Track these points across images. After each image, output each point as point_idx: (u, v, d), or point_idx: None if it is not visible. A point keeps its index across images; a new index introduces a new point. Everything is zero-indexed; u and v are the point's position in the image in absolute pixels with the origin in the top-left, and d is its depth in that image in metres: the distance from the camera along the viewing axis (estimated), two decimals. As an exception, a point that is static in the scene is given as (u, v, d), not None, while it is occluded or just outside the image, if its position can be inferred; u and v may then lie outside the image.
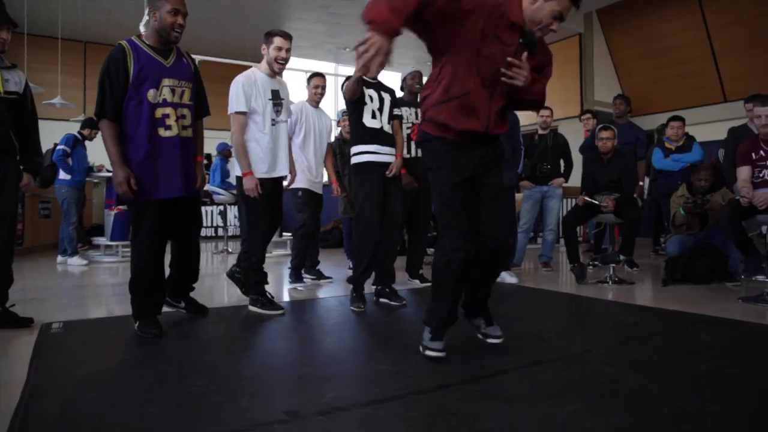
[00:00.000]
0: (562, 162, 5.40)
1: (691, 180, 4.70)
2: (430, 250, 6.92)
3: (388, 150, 3.53)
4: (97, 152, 8.20)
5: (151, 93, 2.67)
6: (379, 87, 3.59)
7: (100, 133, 5.74)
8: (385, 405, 1.82)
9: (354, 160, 3.53)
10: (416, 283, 4.46)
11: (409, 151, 4.24)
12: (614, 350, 2.55)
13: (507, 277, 4.60)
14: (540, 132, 5.50)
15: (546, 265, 5.38)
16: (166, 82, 2.72)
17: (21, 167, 3.00)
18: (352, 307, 3.45)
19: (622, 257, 4.56)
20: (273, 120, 3.39)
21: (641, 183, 5.81)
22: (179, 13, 2.72)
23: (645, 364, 2.28)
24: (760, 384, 2.05)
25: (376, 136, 3.47)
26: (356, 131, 3.52)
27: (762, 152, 3.74)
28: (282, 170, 3.45)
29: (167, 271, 3.03)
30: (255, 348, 2.73)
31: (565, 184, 5.51)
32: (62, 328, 2.90)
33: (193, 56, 3.04)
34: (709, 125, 8.13)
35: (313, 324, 3.23)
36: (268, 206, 3.39)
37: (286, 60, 3.41)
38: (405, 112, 4.25)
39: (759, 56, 8.23)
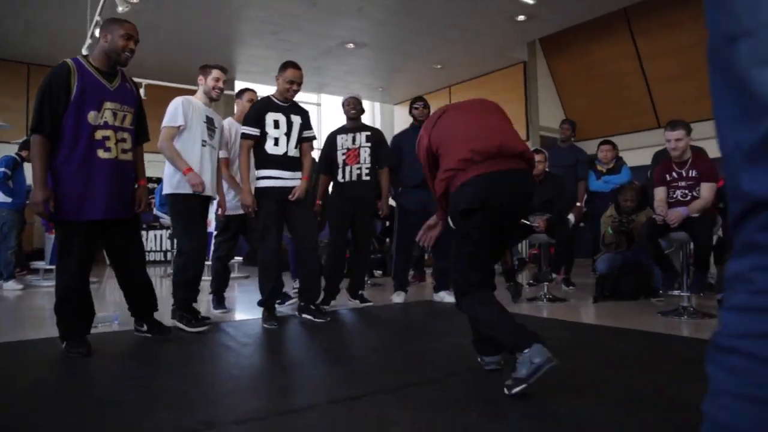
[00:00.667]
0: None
1: (618, 200, 4.96)
2: (377, 272, 7.06)
3: (291, 174, 3.67)
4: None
5: (92, 114, 2.70)
6: (290, 110, 3.71)
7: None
8: (304, 413, 1.89)
9: (255, 184, 3.66)
10: (356, 303, 4.53)
11: (343, 176, 4.39)
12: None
13: (446, 297, 4.72)
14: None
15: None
16: (108, 105, 2.75)
17: None
18: (265, 325, 3.57)
19: (554, 275, 4.74)
20: (204, 141, 3.52)
21: (580, 204, 6.03)
22: (131, 38, 2.81)
23: (558, 375, 2.40)
24: (655, 389, 2.20)
25: (278, 162, 3.62)
26: (257, 157, 3.67)
27: (675, 174, 4.00)
28: (208, 190, 3.55)
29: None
30: (184, 364, 2.74)
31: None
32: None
33: (140, 80, 3.10)
34: (645, 150, 8.54)
35: (244, 341, 3.27)
36: (201, 222, 3.48)
37: (222, 90, 3.64)
38: (341, 139, 4.47)
39: (690, 84, 8.71)
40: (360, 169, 4.48)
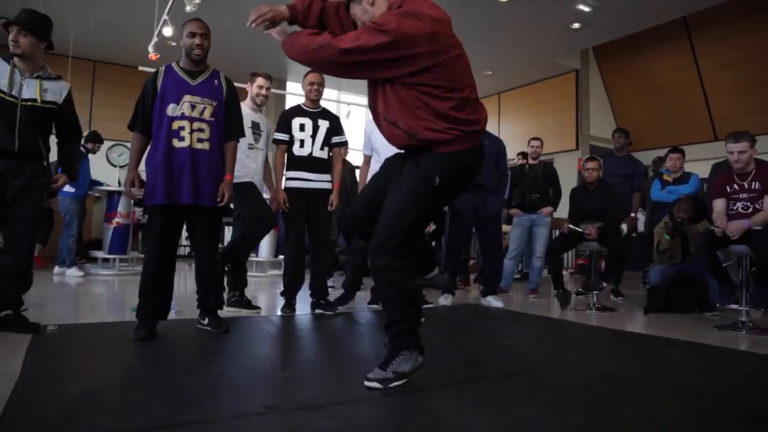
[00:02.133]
0: (551, 191, 5.57)
1: (672, 212, 4.86)
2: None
3: (317, 176, 3.93)
4: (97, 167, 8.43)
5: (170, 107, 2.94)
6: (318, 115, 3.98)
7: (99, 147, 5.88)
8: (359, 404, 1.93)
9: (284, 184, 3.94)
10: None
11: None
12: (585, 365, 2.67)
13: (493, 301, 4.71)
14: (530, 162, 5.70)
15: (533, 291, 5.49)
16: (187, 98, 2.97)
17: (51, 171, 3.22)
18: (279, 312, 3.90)
19: (604, 284, 4.68)
20: (250, 144, 3.82)
21: (634, 215, 5.91)
22: (195, 34, 3.00)
23: (612, 377, 2.39)
24: (715, 395, 2.16)
25: (303, 163, 3.87)
26: (287, 159, 3.96)
27: (735, 186, 3.89)
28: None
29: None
30: (242, 352, 2.82)
31: (553, 214, 5.66)
32: (56, 329, 3.00)
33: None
34: (700, 162, 8.31)
35: (295, 333, 3.37)
36: None
37: (266, 97, 3.94)
38: None
39: (747, 97, 8.47)
40: None
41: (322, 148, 3.96)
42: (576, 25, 8.40)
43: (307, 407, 1.86)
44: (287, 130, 3.91)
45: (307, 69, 3.95)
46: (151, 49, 5.90)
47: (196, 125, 2.97)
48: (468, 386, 2.19)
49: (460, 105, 2.07)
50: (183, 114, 2.95)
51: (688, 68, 9.08)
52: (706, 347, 3.21)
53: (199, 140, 2.99)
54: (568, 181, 5.91)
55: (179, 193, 2.93)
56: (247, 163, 3.79)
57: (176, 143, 2.94)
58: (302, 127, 3.91)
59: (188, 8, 5.02)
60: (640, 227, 6.55)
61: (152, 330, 2.92)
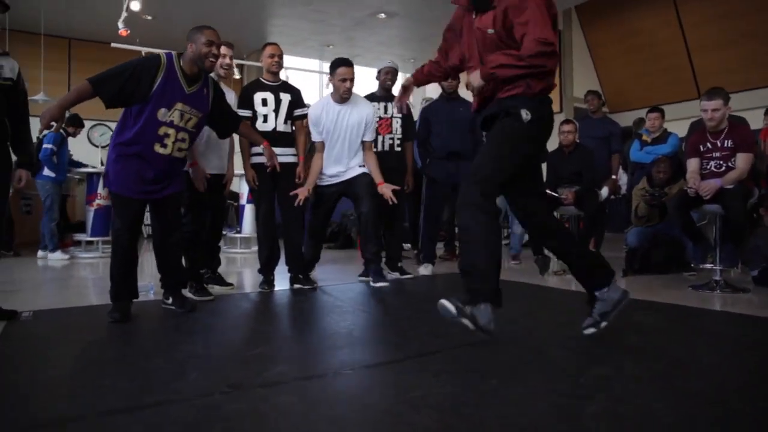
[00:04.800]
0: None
1: (650, 172, 4.87)
2: (406, 245, 7.09)
3: (282, 150, 3.85)
4: (79, 148, 8.34)
5: (161, 111, 2.86)
6: (279, 88, 3.92)
7: (80, 131, 5.77)
8: (325, 378, 1.96)
9: (251, 160, 3.87)
10: (396, 276, 4.51)
11: (375, 146, 4.37)
12: (554, 331, 2.71)
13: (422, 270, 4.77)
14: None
15: (515, 258, 5.52)
16: (179, 106, 2.90)
17: (12, 159, 3.09)
18: (259, 288, 3.88)
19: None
20: None
21: (614, 177, 5.92)
22: (213, 44, 2.93)
23: (577, 342, 2.43)
24: (675, 354, 2.20)
25: (267, 138, 3.74)
26: None
27: (709, 144, 3.89)
28: (214, 169, 3.78)
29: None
30: (215, 331, 2.85)
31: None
32: (31, 316, 3.01)
33: (168, 51, 3.14)
34: (684, 121, 8.27)
35: (270, 310, 3.39)
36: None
37: (230, 66, 3.88)
38: (374, 106, 4.39)
39: (730, 52, 8.40)
40: (393, 139, 4.54)
41: (285, 122, 3.92)
42: (557, -15, 8.26)
43: (271, 384, 1.88)
44: (249, 105, 3.86)
45: (266, 41, 3.94)
46: (120, 24, 5.78)
47: (180, 135, 2.96)
48: (434, 357, 2.21)
49: None
50: (172, 122, 2.90)
51: (671, 25, 8.97)
52: (676, 307, 3.27)
53: (179, 150, 3.01)
54: (552, 145, 5.87)
55: (151, 191, 2.97)
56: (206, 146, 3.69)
57: (158, 149, 2.90)
58: (264, 102, 3.87)
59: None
60: (624, 188, 6.58)
61: (127, 311, 2.93)
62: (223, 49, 3.67)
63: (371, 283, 3.96)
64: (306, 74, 11.64)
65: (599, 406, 1.64)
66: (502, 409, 1.64)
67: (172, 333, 2.80)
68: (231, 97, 3.87)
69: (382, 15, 9.32)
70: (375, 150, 4.29)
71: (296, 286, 3.99)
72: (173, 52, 2.95)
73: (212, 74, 3.67)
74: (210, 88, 3.10)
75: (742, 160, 3.74)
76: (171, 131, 2.91)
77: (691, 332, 2.74)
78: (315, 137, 4.07)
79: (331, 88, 4.09)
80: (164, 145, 2.91)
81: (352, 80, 3.93)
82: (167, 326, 2.93)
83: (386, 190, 3.92)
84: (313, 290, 3.91)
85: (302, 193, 3.87)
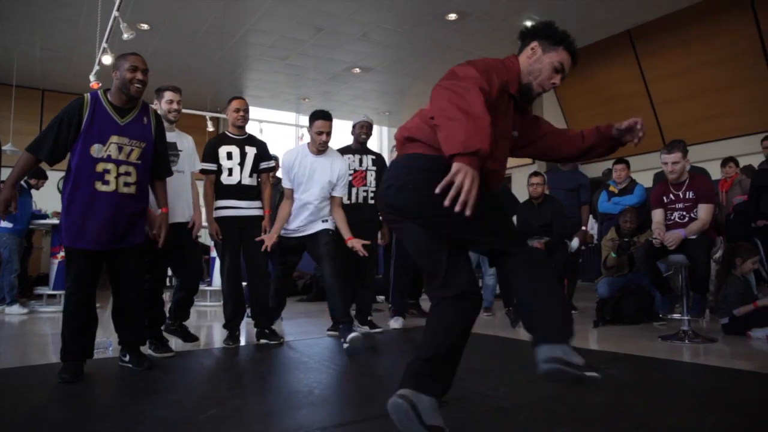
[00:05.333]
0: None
1: (618, 222, 4.92)
2: (380, 297, 7.01)
3: (247, 204, 3.89)
4: (48, 198, 8.20)
5: (95, 148, 2.77)
6: (244, 142, 3.93)
7: (46, 183, 5.65)
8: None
9: (215, 214, 3.86)
10: (366, 329, 4.41)
11: (349, 198, 4.38)
12: (521, 387, 2.65)
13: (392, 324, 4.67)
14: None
15: (487, 309, 5.47)
16: (114, 139, 2.81)
17: None
18: (223, 344, 3.82)
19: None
20: None
21: (584, 228, 5.97)
22: (137, 69, 2.87)
23: (544, 400, 2.37)
24: (642, 413, 2.16)
25: (232, 192, 3.82)
26: (216, 188, 3.89)
27: (672, 196, 3.97)
28: (178, 217, 3.54)
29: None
30: (170, 390, 2.73)
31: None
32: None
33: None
34: (651, 171, 8.48)
35: (232, 367, 3.28)
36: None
37: (179, 111, 3.65)
38: (349, 159, 4.45)
39: (695, 106, 8.70)
40: (366, 191, 4.54)
41: (251, 176, 3.91)
42: (525, 42, 8.54)
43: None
44: (214, 159, 3.85)
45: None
46: (92, 77, 5.78)
47: (122, 168, 2.85)
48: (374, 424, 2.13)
49: None
50: (109, 156, 2.81)
51: (635, 80, 9.29)
52: (645, 360, 3.24)
53: (126, 184, 2.87)
54: (522, 196, 5.95)
55: (97, 238, 2.81)
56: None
57: (100, 187, 2.80)
58: (229, 156, 3.86)
59: (126, 36, 4.93)
60: (596, 238, 6.63)
61: (78, 371, 2.80)
62: (170, 95, 3.60)
63: (343, 343, 3.65)
64: (282, 127, 11.76)
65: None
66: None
67: (123, 394, 2.68)
68: (189, 141, 3.78)
69: (357, 70, 9.52)
70: (350, 202, 4.31)
71: (262, 340, 3.89)
72: (99, 90, 2.90)
73: (164, 119, 3.54)
74: (151, 117, 3.01)
75: (704, 211, 3.81)
76: (110, 166, 2.80)
77: (658, 386, 2.70)
78: (285, 184, 4.00)
79: (306, 140, 4.08)
80: (106, 182, 2.80)
81: (328, 133, 3.91)
82: (120, 386, 2.81)
83: (356, 244, 3.85)
84: (280, 345, 3.81)
85: (269, 239, 3.81)
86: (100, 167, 2.78)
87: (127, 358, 3.08)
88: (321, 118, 3.89)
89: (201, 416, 2.23)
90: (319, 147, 3.90)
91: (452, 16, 7.52)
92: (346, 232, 3.94)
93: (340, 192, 4.01)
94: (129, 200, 2.90)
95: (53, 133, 2.73)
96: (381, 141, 13.12)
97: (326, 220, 3.94)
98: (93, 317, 2.95)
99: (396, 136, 1.93)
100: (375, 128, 13.09)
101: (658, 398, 2.46)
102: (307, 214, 3.91)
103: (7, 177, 2.73)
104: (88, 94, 2.85)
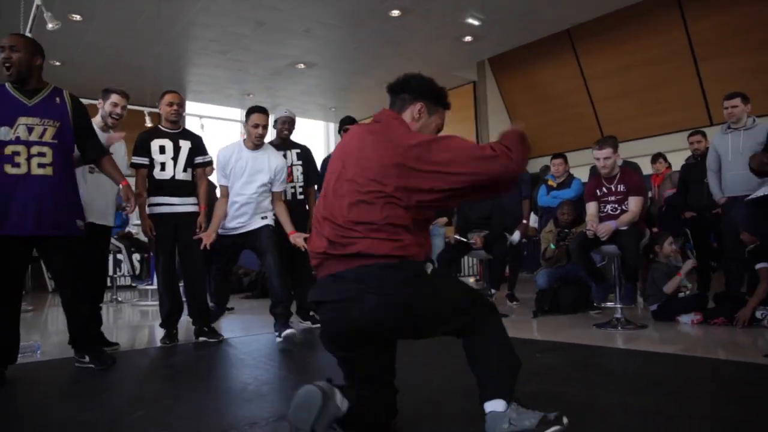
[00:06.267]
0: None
1: (556, 215, 5.05)
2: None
3: (181, 200, 3.79)
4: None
5: (1, 131, 2.70)
6: (179, 135, 3.82)
7: None
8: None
9: (147, 211, 3.75)
10: (308, 324, 4.38)
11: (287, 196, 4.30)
12: (452, 379, 2.66)
13: None
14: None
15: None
16: (23, 120, 2.75)
17: None
18: (159, 343, 3.76)
19: (493, 291, 4.77)
20: (91, 168, 3.39)
21: (525, 221, 6.08)
22: (5, 48, 2.80)
23: (475, 391, 2.39)
24: (572, 398, 2.21)
25: (164, 188, 3.72)
26: (149, 184, 3.77)
27: (604, 189, 4.10)
28: (96, 218, 3.42)
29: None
30: (95, 394, 2.63)
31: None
32: None
33: (84, 101, 3.06)
34: (589, 167, 8.76)
35: (167, 367, 3.20)
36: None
37: (120, 116, 3.59)
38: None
39: (631, 102, 9.03)
40: (294, 187, 4.43)
41: (185, 170, 3.80)
42: (468, 38, 8.68)
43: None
44: (146, 152, 3.72)
45: (166, 89, 3.91)
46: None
47: (35, 149, 2.76)
48: None
49: None
50: (18, 138, 2.72)
51: (574, 77, 9.56)
52: (580, 347, 3.33)
53: (40, 165, 2.77)
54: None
55: (19, 222, 2.69)
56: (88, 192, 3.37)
57: (9, 169, 2.71)
58: (162, 149, 3.74)
59: (50, 26, 4.70)
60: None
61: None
62: (117, 98, 3.53)
63: (276, 337, 3.69)
64: (228, 124, 11.53)
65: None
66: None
67: (43, 399, 2.55)
68: (116, 146, 3.61)
69: (301, 65, 9.42)
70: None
71: (201, 338, 3.81)
72: (7, 82, 2.84)
73: (101, 121, 3.53)
74: (66, 98, 2.93)
75: (634, 203, 3.95)
76: (20, 148, 2.73)
77: (590, 372, 2.78)
78: (221, 181, 3.93)
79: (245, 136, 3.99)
80: (16, 164, 2.72)
81: (264, 127, 3.85)
82: (44, 391, 2.68)
83: (299, 239, 3.80)
84: (219, 343, 3.73)
85: (207, 237, 3.71)
86: (8, 150, 2.72)
87: (86, 359, 2.99)
88: (257, 111, 3.85)
89: (127, 418, 2.15)
90: (255, 141, 3.85)
91: (395, 13, 7.54)
92: (288, 226, 3.90)
93: (280, 187, 3.96)
94: (47, 182, 2.79)
95: None
96: (328, 138, 13.04)
97: (265, 216, 3.88)
98: (16, 317, 2.80)
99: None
100: (322, 125, 13.06)
101: (591, 383, 2.53)
102: (246, 211, 3.84)
103: None
104: None
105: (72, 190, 2.92)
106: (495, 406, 1.67)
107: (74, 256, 2.96)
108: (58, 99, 2.90)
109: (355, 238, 1.66)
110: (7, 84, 2.82)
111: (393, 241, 1.65)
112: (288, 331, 3.53)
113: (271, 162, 3.90)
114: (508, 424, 1.61)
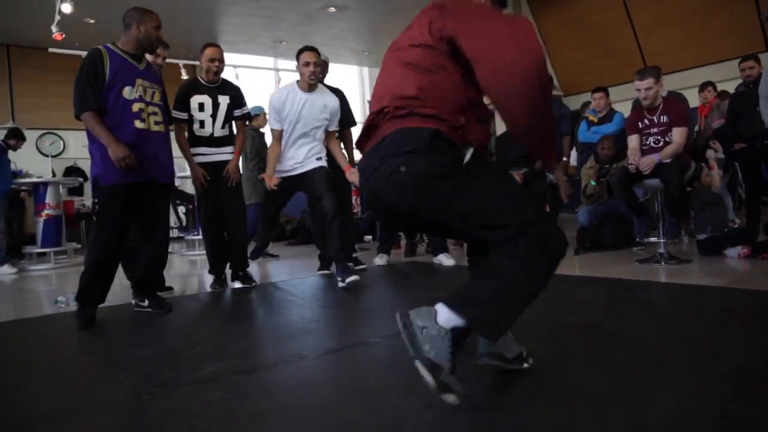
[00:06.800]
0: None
1: (596, 151, 4.94)
2: (366, 237, 7.13)
3: (216, 150, 3.83)
4: (27, 158, 8.09)
5: (127, 90, 2.94)
6: (218, 90, 3.81)
7: (22, 143, 5.60)
8: (256, 373, 1.95)
9: (195, 159, 3.81)
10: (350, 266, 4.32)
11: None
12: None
13: (444, 260, 4.54)
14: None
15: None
16: (140, 81, 3.00)
17: None
18: (210, 288, 3.92)
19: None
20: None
21: (565, 158, 5.98)
22: (160, 28, 3.11)
23: (518, 326, 2.44)
24: (609, 328, 2.24)
25: (202, 142, 3.79)
26: (188, 135, 3.83)
27: (647, 121, 3.97)
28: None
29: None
30: (155, 333, 2.79)
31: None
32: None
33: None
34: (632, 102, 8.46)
35: (218, 309, 3.36)
36: None
37: (161, 66, 3.77)
38: None
39: (677, 33, 8.60)
40: None
41: (223, 127, 3.82)
42: (504, -29, 8.31)
43: (202, 381, 1.86)
44: (185, 108, 3.74)
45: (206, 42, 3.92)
46: (54, 28, 5.60)
47: (151, 108, 3.04)
48: (349, 351, 2.21)
49: None
50: (140, 97, 2.98)
51: (617, 7, 9.13)
52: (620, 282, 3.32)
53: (156, 123, 3.08)
54: (501, 128, 5.91)
55: (150, 171, 3.01)
56: None
57: (138, 124, 2.97)
58: (201, 107, 3.74)
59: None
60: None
61: (92, 317, 2.91)
62: (158, 49, 3.58)
63: (339, 283, 3.64)
64: (261, 72, 11.51)
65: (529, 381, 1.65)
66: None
67: (115, 338, 2.74)
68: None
69: (332, 9, 9.26)
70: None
71: (235, 282, 3.91)
72: (108, 43, 3.00)
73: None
74: (154, 66, 3.23)
75: (678, 134, 3.82)
76: (142, 105, 2.99)
77: (627, 305, 2.78)
78: (274, 125, 3.89)
79: (283, 83, 3.99)
80: (142, 120, 2.98)
81: (316, 64, 3.79)
82: (109, 332, 2.86)
83: (353, 176, 3.82)
84: (252, 288, 3.84)
85: (269, 180, 3.81)
86: (135, 107, 2.95)
87: (146, 303, 3.21)
88: (307, 50, 3.83)
89: (183, 353, 2.30)
90: (309, 80, 3.77)
91: (427, -53, 7.27)
92: (344, 162, 4.02)
93: (335, 126, 4.01)
94: (161, 138, 3.10)
95: (89, 86, 2.85)
96: (362, 83, 12.91)
97: (320, 158, 3.88)
98: (117, 262, 3.07)
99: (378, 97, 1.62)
100: (355, 69, 12.89)
101: (627, 314, 2.55)
102: (302, 152, 3.83)
103: (104, 140, 2.83)
104: (102, 46, 2.95)
105: (170, 147, 3.23)
106: (445, 313, 1.43)
107: (167, 203, 3.44)
108: (152, 67, 3.18)
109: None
110: (110, 46, 2.98)
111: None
112: (352, 277, 3.58)
113: (327, 102, 3.90)
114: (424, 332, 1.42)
